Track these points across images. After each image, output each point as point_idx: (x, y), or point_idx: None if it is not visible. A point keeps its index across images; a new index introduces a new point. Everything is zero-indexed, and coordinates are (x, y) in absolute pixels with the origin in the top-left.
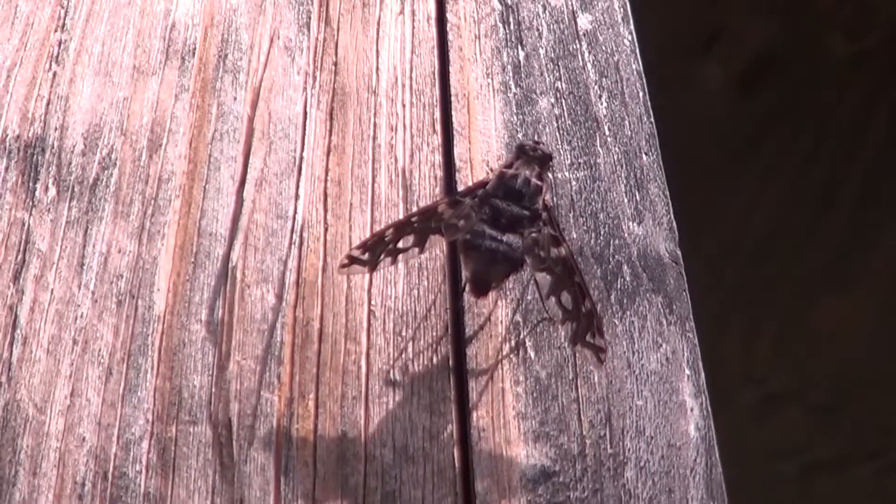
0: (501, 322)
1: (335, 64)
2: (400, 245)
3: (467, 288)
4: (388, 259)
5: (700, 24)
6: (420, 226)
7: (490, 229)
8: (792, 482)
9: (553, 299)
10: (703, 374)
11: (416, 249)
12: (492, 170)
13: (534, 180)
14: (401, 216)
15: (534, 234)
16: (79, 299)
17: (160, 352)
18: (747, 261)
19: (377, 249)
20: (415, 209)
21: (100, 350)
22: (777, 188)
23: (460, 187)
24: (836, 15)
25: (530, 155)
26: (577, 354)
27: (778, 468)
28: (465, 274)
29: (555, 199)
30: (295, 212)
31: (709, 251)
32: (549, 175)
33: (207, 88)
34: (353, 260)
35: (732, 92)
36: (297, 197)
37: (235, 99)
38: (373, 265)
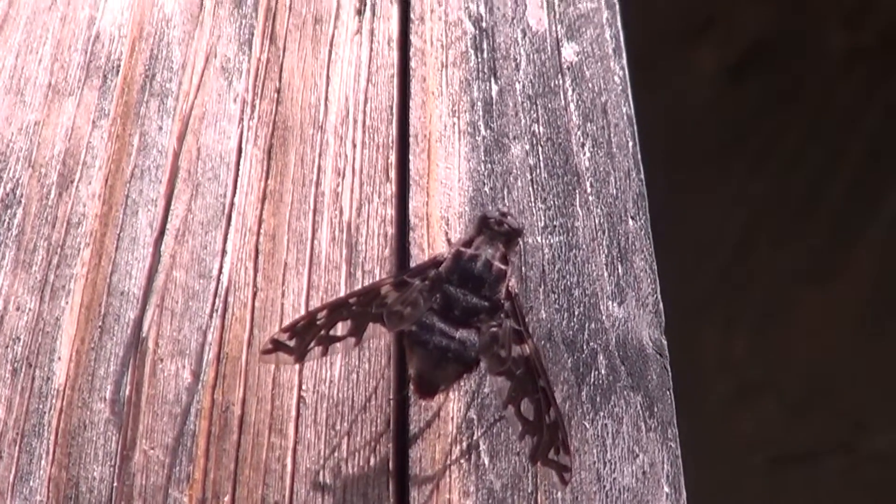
0: (452, 419)
1: (278, 91)
2: (333, 332)
3: (411, 386)
4: (319, 348)
5: (695, 10)
6: (359, 310)
7: (440, 322)
8: (763, 474)
9: (511, 408)
10: (684, 494)
11: (352, 339)
12: (449, 241)
13: (496, 264)
14: (342, 280)
15: (493, 329)
16: None
17: (57, 434)
18: (730, 252)
19: (306, 335)
20: (359, 273)
21: None
22: (763, 180)
23: (413, 249)
24: (835, 5)
25: (495, 230)
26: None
27: (750, 459)
28: (410, 371)
29: (523, 269)
30: (220, 271)
31: (691, 239)
32: (517, 249)
33: (130, 115)
34: (277, 345)
35: (723, 80)
36: (223, 252)
37: (161, 129)
38: (300, 354)
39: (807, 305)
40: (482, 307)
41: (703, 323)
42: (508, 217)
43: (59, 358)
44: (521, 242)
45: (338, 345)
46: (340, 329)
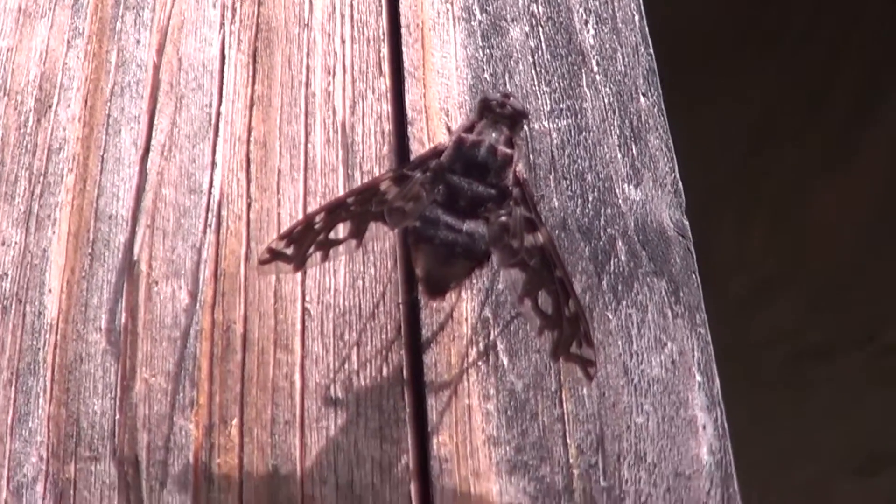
0: (467, 319)
1: None
2: (333, 235)
3: (420, 287)
4: (319, 253)
5: None
6: (358, 209)
7: (445, 215)
8: (784, 371)
9: (528, 302)
10: (717, 381)
11: (353, 241)
12: (449, 129)
13: (501, 148)
14: (340, 183)
15: (502, 219)
16: None
17: (53, 370)
18: (743, 146)
19: (304, 240)
20: (357, 174)
21: None
22: (774, 68)
23: (413, 144)
24: None
25: (497, 113)
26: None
27: (770, 357)
28: (417, 271)
29: (531, 157)
30: (211, 184)
31: (703, 135)
32: (523, 135)
33: (106, 31)
34: (274, 254)
35: None
36: (213, 165)
37: (139, 43)
38: (299, 262)
39: (822, 199)
40: (489, 195)
41: (717, 220)
42: (511, 98)
43: (50, 291)
44: (526, 126)
45: (339, 248)
46: (340, 231)
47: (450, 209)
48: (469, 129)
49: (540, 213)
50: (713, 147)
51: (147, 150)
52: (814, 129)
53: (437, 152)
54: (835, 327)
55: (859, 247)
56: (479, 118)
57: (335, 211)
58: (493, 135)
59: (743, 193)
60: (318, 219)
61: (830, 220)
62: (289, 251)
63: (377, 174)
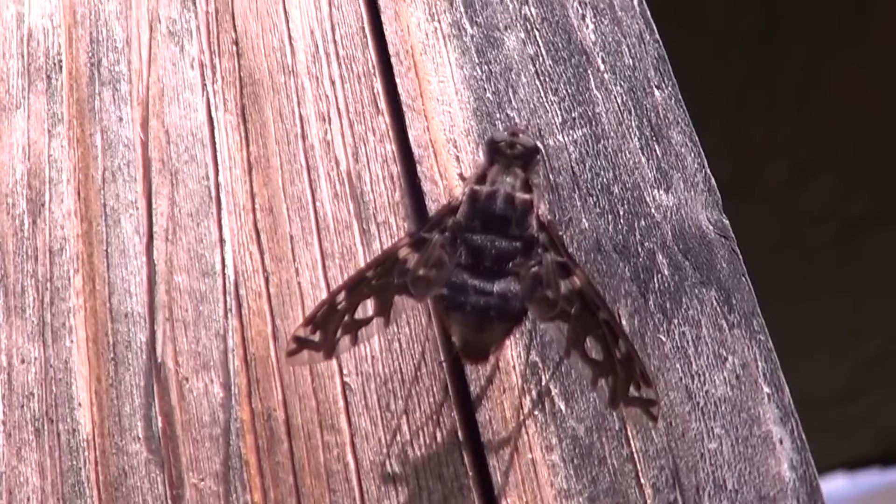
0: (514, 367)
1: (236, 43)
2: (359, 314)
3: (459, 354)
4: (348, 337)
5: None
6: (379, 283)
7: (473, 279)
8: (834, 243)
9: (575, 354)
10: (787, 391)
11: (381, 319)
12: (461, 176)
13: (519, 195)
14: (357, 239)
15: (533, 270)
16: None
17: (99, 489)
18: (759, 30)
19: (330, 324)
20: (373, 227)
21: (28, 499)
22: None
23: (426, 185)
24: None
25: (508, 155)
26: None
27: (818, 233)
28: (453, 338)
29: (551, 176)
30: (223, 263)
31: (717, 25)
32: (538, 170)
33: (85, 112)
34: (301, 343)
35: None
36: (221, 242)
37: (121, 120)
38: (329, 349)
39: (841, 75)
40: (515, 249)
41: (745, 111)
42: (520, 136)
43: (80, 404)
44: (541, 158)
45: (367, 329)
46: (366, 309)
47: (476, 271)
48: (481, 178)
49: (570, 250)
50: (733, 34)
51: (151, 236)
52: (821, 6)
53: (451, 209)
54: (877, 194)
55: (886, 116)
56: (489, 163)
57: (356, 288)
58: (508, 180)
59: (764, 82)
60: (340, 298)
61: (854, 94)
62: (315, 338)
63: (393, 223)
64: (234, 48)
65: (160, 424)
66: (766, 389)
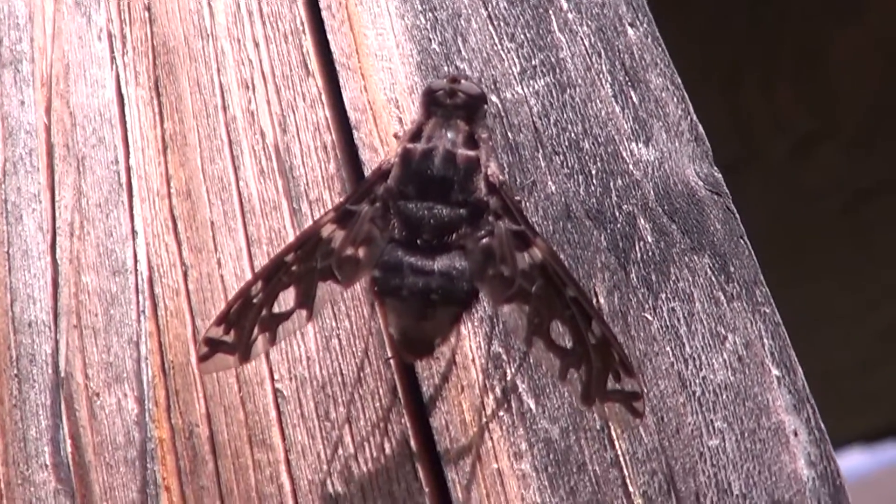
0: (473, 361)
1: (148, 8)
2: (277, 308)
3: (398, 350)
4: (265, 335)
5: None
6: (300, 268)
7: (409, 255)
8: (842, 214)
9: (539, 341)
10: (799, 371)
11: (303, 312)
12: (396, 135)
13: (461, 151)
14: (287, 222)
15: (483, 242)
16: None
17: None
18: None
19: (245, 321)
20: (304, 205)
21: None
22: None
23: (364, 153)
24: None
25: (447, 105)
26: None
27: (825, 205)
28: (390, 330)
29: (510, 135)
30: (135, 259)
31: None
32: (488, 122)
33: None
34: (214, 345)
35: None
36: (133, 234)
37: (23, 104)
38: (244, 351)
39: (838, 46)
40: (459, 218)
41: (743, 85)
42: (461, 82)
43: None
44: (488, 108)
45: (287, 324)
46: (284, 301)
47: (412, 246)
48: (416, 134)
49: (532, 218)
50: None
51: (55, 233)
52: None
53: (382, 173)
54: (882, 164)
55: (886, 86)
56: (426, 116)
57: (274, 276)
58: (448, 135)
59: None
60: (255, 289)
61: (852, 65)
62: (229, 338)
63: (329, 199)
64: (147, 14)
65: (69, 449)
66: (775, 371)
